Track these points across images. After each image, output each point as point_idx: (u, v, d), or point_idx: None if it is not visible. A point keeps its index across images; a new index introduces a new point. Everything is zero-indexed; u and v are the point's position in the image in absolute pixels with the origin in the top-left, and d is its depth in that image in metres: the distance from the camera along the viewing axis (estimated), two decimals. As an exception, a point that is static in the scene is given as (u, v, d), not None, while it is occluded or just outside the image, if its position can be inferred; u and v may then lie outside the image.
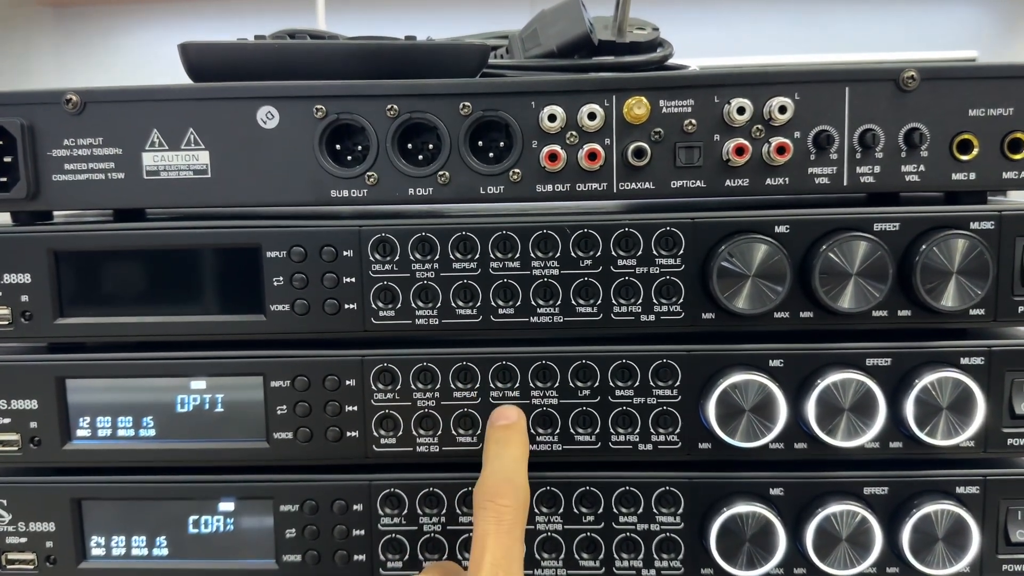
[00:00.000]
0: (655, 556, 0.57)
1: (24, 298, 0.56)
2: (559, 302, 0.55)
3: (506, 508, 0.48)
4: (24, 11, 2.25)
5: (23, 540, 0.59)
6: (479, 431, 0.56)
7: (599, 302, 0.55)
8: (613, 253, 0.54)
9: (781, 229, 0.54)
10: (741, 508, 0.54)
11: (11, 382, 0.57)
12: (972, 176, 0.54)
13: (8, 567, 0.59)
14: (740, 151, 0.53)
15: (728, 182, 0.54)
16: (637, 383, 0.55)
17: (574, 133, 0.54)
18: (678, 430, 0.56)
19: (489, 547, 0.47)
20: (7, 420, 0.57)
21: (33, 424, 0.57)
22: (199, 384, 0.57)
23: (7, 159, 0.55)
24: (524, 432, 0.53)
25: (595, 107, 0.53)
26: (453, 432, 0.56)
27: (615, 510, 0.57)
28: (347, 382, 0.56)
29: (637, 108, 0.53)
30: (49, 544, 0.59)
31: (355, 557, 0.58)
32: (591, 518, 0.57)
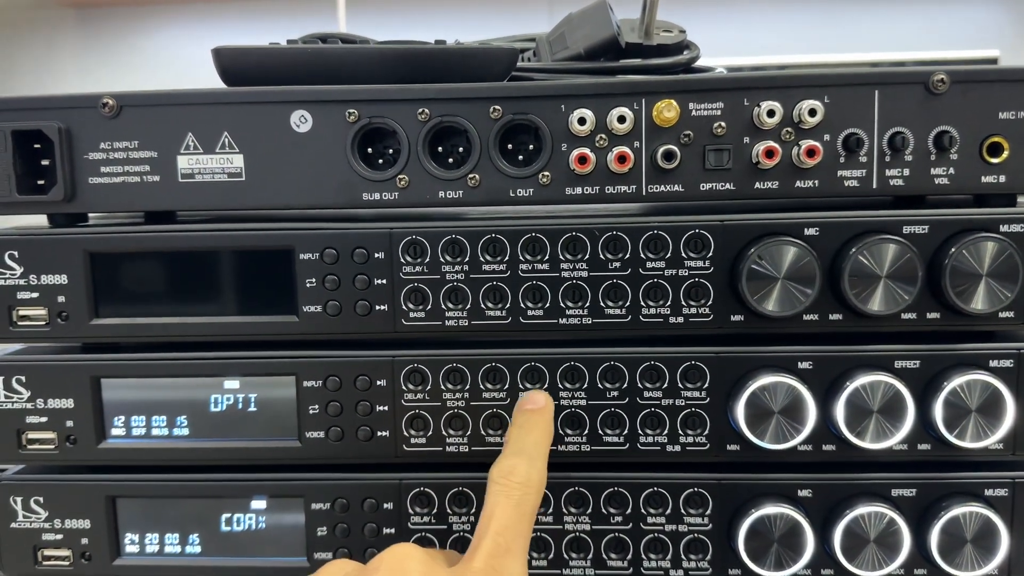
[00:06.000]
0: (683, 557, 0.57)
1: (60, 299, 0.57)
2: (588, 304, 0.55)
3: (516, 486, 0.48)
4: (46, 12, 2.27)
5: (59, 537, 0.60)
6: (508, 431, 0.57)
7: (628, 304, 0.55)
8: (642, 255, 0.55)
9: (811, 231, 0.54)
10: (769, 509, 0.55)
11: (48, 381, 0.58)
12: (1002, 179, 0.54)
13: (44, 563, 0.60)
14: (770, 154, 0.53)
15: (758, 184, 0.54)
16: (666, 385, 0.56)
17: (603, 136, 0.54)
18: (706, 432, 0.56)
19: (496, 516, 0.47)
20: (44, 419, 0.58)
21: (69, 423, 0.58)
22: (232, 384, 0.58)
23: (44, 162, 0.56)
24: (550, 419, 0.53)
25: (624, 110, 0.54)
26: (482, 432, 0.57)
27: (643, 511, 0.57)
28: (378, 382, 0.57)
29: (667, 111, 0.53)
30: (84, 541, 0.59)
31: (385, 555, 0.58)
32: (619, 518, 0.57)
